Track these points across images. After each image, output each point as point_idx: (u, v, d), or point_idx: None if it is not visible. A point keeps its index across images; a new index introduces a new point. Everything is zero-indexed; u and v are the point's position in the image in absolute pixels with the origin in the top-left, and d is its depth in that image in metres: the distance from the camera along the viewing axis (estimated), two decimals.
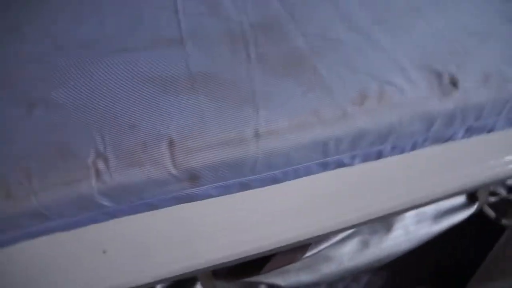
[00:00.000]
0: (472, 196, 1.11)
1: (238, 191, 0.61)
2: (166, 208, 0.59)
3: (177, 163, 0.55)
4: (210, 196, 0.60)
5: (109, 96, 0.58)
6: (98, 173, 0.52)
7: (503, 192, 1.13)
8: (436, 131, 0.62)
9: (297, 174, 0.62)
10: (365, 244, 1.09)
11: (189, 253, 0.62)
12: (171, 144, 0.54)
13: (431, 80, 0.60)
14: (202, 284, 1.06)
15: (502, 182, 1.05)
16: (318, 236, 0.67)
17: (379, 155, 0.64)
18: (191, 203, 0.59)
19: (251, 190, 0.61)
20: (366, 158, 0.64)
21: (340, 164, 0.63)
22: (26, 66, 0.62)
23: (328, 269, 1.09)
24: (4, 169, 0.52)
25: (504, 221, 1.13)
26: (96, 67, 0.61)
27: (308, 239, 0.67)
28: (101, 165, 0.53)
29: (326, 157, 0.60)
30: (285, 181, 0.62)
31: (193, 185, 0.57)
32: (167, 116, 0.56)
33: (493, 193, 1.13)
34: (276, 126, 0.56)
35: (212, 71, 0.60)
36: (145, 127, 0.55)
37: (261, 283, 1.07)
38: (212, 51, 0.63)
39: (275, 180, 0.61)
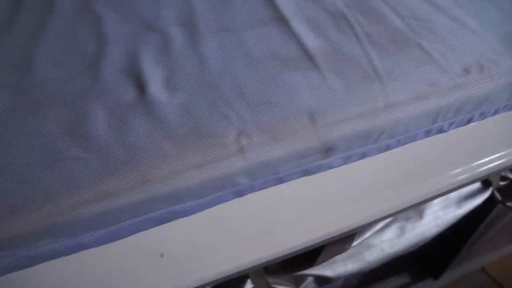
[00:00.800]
0: (486, 182, 1.19)
1: (358, 159, 0.64)
2: (218, 207, 0.59)
3: (319, 136, 0.56)
4: (331, 167, 0.62)
5: (228, 76, 0.59)
6: (241, 150, 0.53)
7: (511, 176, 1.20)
8: None
9: (405, 141, 0.66)
10: (402, 231, 1.14)
11: (242, 251, 0.62)
12: (311, 118, 0.56)
13: None
14: (253, 281, 1.06)
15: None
16: (364, 225, 0.69)
17: (469, 121, 0.69)
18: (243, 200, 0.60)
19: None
20: (459, 124, 0.68)
21: (439, 131, 0.67)
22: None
23: (371, 256, 1.13)
24: (142, 154, 0.52)
25: (509, 203, 1.20)
26: (203, 47, 0.62)
27: (355, 229, 0.68)
28: (244, 141, 0.53)
29: (434, 124, 0.65)
30: (395, 148, 0.66)
31: (324, 156, 0.59)
32: (300, 92, 0.57)
33: (503, 178, 1.20)
34: (400, 98, 0.60)
35: (329, 49, 0.63)
36: (281, 102, 0.56)
37: (309, 275, 1.09)
38: (320, 30, 0.65)
39: (388, 148, 0.65)
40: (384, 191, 0.67)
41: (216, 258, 0.60)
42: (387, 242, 1.13)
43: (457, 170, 0.71)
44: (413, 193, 0.69)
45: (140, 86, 0.57)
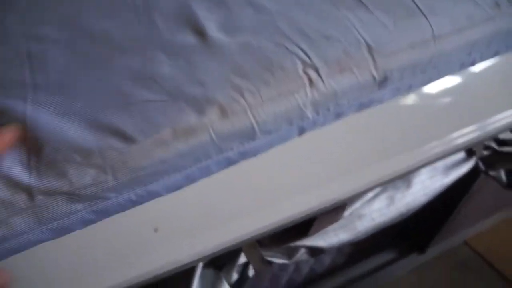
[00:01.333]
0: (469, 151, 1.20)
1: (405, 92, 0.65)
2: (219, 173, 0.58)
3: (378, 67, 0.58)
4: (381, 101, 0.63)
5: (285, 17, 0.61)
6: (311, 82, 0.54)
7: (494, 145, 1.22)
8: None
9: (445, 73, 0.68)
10: (391, 200, 1.14)
11: (234, 224, 0.62)
12: (370, 50, 0.58)
13: None
14: (246, 254, 1.06)
15: (494, 137, 1.16)
16: (354, 196, 0.70)
17: (496, 54, 0.70)
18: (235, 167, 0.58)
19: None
20: (485, 56, 0.70)
21: (472, 64, 0.69)
22: None
23: (363, 226, 1.13)
24: (217, 90, 0.52)
25: (492, 173, 1.23)
26: None
27: (345, 199, 0.70)
28: (313, 74, 0.55)
29: (468, 56, 0.67)
30: (431, 81, 0.67)
31: (380, 87, 0.60)
32: (355, 28, 0.60)
33: (486, 147, 1.22)
34: (444, 31, 0.62)
35: None
36: (340, 37, 0.58)
37: (302, 246, 1.08)
38: None
39: (430, 80, 0.67)
40: (372, 160, 0.68)
41: (209, 232, 0.60)
42: (377, 212, 1.13)
43: (442, 140, 0.73)
44: (401, 163, 0.70)
45: (199, 32, 0.58)
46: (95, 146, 0.48)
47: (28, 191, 0.45)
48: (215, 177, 0.56)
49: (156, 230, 0.56)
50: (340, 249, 1.32)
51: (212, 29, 0.58)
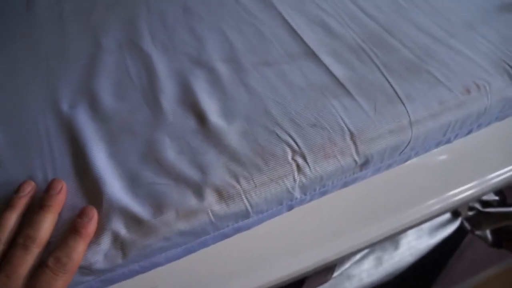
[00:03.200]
0: (455, 212, 1.26)
1: (385, 170, 0.71)
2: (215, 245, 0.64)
3: (359, 151, 0.63)
4: (364, 178, 0.69)
5: (277, 103, 0.66)
6: (299, 168, 0.59)
7: (478, 206, 1.28)
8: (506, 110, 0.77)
9: (421, 152, 0.74)
10: (379, 261, 1.19)
11: (229, 286, 0.65)
12: (352, 136, 0.63)
13: (503, 75, 0.74)
14: None
15: (479, 198, 1.21)
16: (343, 257, 0.73)
17: (469, 132, 0.76)
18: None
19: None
20: (461, 135, 0.76)
21: (447, 142, 0.75)
22: None
23: (351, 286, 1.16)
24: (215, 175, 0.57)
25: (478, 232, 1.27)
26: (249, 79, 0.70)
27: (334, 260, 0.72)
28: (300, 161, 0.59)
29: (443, 137, 0.72)
30: (410, 159, 0.73)
31: (361, 169, 0.65)
32: (339, 115, 0.65)
33: (471, 208, 1.27)
34: (420, 116, 0.67)
35: (356, 78, 0.70)
36: (326, 124, 0.64)
37: None
38: (346, 62, 0.73)
39: (407, 159, 0.73)
40: (360, 225, 0.72)
41: None
42: (365, 272, 1.17)
43: (430, 202, 0.77)
44: (387, 226, 0.73)
45: (200, 116, 0.63)
46: (107, 225, 0.54)
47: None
48: (211, 248, 0.62)
49: None
50: None
51: (212, 114, 0.63)
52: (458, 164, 0.81)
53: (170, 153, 0.59)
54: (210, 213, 0.55)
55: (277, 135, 0.61)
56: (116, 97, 0.66)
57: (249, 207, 0.57)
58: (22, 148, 0.60)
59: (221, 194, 0.56)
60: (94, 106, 0.65)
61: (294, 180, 0.58)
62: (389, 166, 0.70)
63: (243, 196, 0.56)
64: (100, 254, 0.53)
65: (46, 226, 0.48)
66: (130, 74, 0.70)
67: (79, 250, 0.48)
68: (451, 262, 1.34)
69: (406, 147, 0.67)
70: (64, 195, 0.52)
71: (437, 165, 0.79)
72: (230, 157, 0.58)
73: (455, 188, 0.80)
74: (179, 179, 0.56)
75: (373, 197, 0.72)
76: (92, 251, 0.53)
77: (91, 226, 0.50)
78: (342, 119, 0.64)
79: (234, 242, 0.62)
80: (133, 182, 0.56)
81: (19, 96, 0.66)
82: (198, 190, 0.55)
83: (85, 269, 0.53)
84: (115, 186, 0.55)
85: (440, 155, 0.79)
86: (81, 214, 0.50)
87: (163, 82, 0.68)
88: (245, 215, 0.58)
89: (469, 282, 1.62)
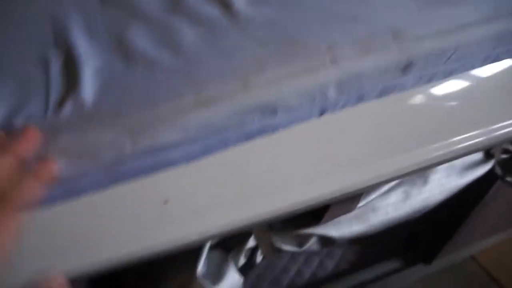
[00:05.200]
0: (488, 154, 1.18)
1: (427, 82, 0.64)
2: (236, 147, 0.57)
3: (402, 51, 0.57)
4: (403, 88, 0.62)
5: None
6: (335, 61, 0.54)
7: None
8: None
9: (467, 67, 0.67)
10: (407, 195, 1.13)
11: (247, 205, 0.60)
12: (395, 33, 0.57)
13: None
14: (256, 238, 1.06)
15: None
16: (370, 186, 0.69)
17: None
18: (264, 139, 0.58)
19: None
20: (509, 54, 0.69)
21: (496, 59, 0.68)
22: None
23: (376, 219, 1.12)
24: (240, 61, 0.53)
25: (509, 178, 1.20)
26: None
27: (361, 189, 0.68)
28: (336, 53, 0.54)
29: (493, 51, 0.65)
30: (454, 74, 0.66)
31: (403, 73, 0.59)
32: (381, 10, 0.59)
33: (505, 151, 1.20)
34: (470, 19, 0.61)
35: None
36: (366, 18, 0.58)
37: (313, 234, 1.07)
38: None
39: (451, 73, 0.66)
40: (392, 151, 0.66)
41: (221, 210, 0.58)
42: (392, 206, 1.12)
43: (462, 136, 0.70)
44: (419, 156, 0.67)
45: (225, 4, 0.58)
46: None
47: None
48: (232, 152, 0.56)
49: (166, 202, 0.55)
50: (344, 254, 1.32)
51: (240, 2, 0.58)
52: (499, 98, 0.73)
53: (190, 37, 0.54)
54: (233, 102, 0.50)
55: (310, 26, 0.56)
56: None
57: (276, 100, 0.52)
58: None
59: (247, 82, 0.51)
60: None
61: (329, 73, 0.54)
62: (431, 78, 0.64)
63: (271, 86, 0.52)
64: (108, 139, 0.48)
65: None
66: None
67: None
68: (473, 214, 1.27)
69: (452, 54, 0.61)
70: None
71: (476, 96, 0.71)
72: (257, 44, 0.54)
73: (493, 124, 0.72)
74: (199, 64, 0.52)
75: (408, 119, 0.66)
76: (97, 137, 0.47)
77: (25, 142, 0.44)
78: (385, 14, 0.59)
79: (257, 147, 0.56)
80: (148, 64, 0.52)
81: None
82: (220, 76, 0.51)
83: (89, 158, 0.47)
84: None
85: (482, 84, 0.71)
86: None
87: None
88: (272, 110, 0.53)
89: (486, 241, 1.60)
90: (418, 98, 0.66)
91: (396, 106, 0.65)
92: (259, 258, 1.10)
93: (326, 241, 1.10)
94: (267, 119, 0.55)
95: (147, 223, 0.55)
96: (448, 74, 0.66)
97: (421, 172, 0.88)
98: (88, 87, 0.49)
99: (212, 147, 0.54)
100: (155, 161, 0.52)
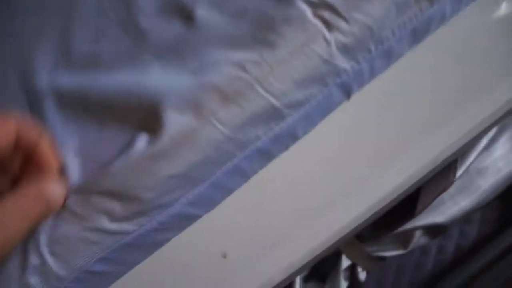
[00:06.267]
0: None
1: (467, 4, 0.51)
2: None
3: None
4: (443, 18, 0.48)
5: None
6: (329, 24, 0.45)
7: None
8: None
9: None
10: None
11: (324, 221, 0.54)
12: None
13: None
14: (347, 255, 0.96)
15: None
16: (463, 146, 0.58)
17: None
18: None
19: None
20: None
21: None
22: None
23: (487, 182, 0.94)
24: (213, 74, 0.46)
25: None
26: None
27: (452, 154, 0.57)
28: (327, 14, 0.45)
29: None
30: None
31: (431, 4, 0.47)
32: None
33: None
34: None
35: None
36: None
37: (416, 228, 0.92)
38: None
39: None
40: (472, 96, 0.55)
41: (298, 236, 0.53)
42: (502, 159, 0.94)
43: None
44: None
45: (187, 16, 0.52)
46: None
47: None
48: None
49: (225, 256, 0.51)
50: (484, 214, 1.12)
51: (202, 8, 0.51)
52: None
53: (157, 71, 0.49)
54: (216, 124, 0.43)
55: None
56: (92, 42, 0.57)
57: (273, 100, 0.44)
58: None
59: (224, 94, 0.44)
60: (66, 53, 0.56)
61: (327, 42, 0.44)
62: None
63: (257, 87, 0.44)
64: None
65: None
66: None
67: None
68: None
69: None
70: None
71: None
72: (229, 45, 0.47)
73: None
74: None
75: (474, 50, 0.53)
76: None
77: None
78: None
79: (303, 155, 0.49)
80: None
81: None
82: (193, 101, 0.45)
83: None
84: None
85: None
86: None
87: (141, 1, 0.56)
88: (276, 114, 0.45)
89: None
90: (472, 24, 0.51)
91: (445, 41, 0.50)
92: (362, 275, 0.99)
93: (434, 230, 0.95)
94: (277, 129, 0.46)
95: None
96: None
97: None
98: None
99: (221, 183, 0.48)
100: None
